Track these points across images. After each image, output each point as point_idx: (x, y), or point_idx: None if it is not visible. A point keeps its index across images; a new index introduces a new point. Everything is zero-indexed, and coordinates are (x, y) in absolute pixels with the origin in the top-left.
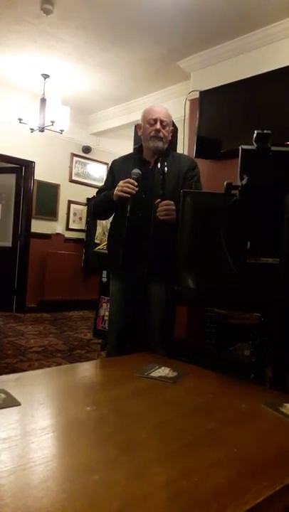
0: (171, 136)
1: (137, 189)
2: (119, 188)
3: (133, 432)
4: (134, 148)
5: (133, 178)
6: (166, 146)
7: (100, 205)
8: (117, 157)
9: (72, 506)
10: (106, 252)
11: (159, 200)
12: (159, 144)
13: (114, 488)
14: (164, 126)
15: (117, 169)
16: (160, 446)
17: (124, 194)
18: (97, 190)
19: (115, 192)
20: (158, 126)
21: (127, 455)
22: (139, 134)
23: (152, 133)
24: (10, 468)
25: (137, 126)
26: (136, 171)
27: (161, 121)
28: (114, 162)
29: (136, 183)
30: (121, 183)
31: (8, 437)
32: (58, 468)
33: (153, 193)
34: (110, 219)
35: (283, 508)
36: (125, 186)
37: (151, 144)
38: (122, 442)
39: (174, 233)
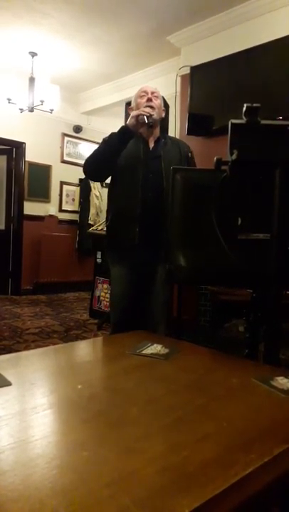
0: (164, 114)
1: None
2: (136, 112)
3: (124, 409)
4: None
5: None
6: (158, 118)
7: (99, 155)
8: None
9: (62, 483)
10: (101, 232)
11: None
12: (153, 115)
13: (104, 464)
14: (155, 98)
15: None
16: (150, 422)
17: (145, 112)
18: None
19: (132, 115)
20: (149, 95)
21: (117, 431)
22: None
23: (145, 103)
24: None
25: (129, 110)
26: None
27: (152, 93)
28: None
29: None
30: (134, 112)
31: None
32: (48, 446)
33: (161, 174)
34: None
35: (273, 478)
36: (142, 108)
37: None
38: (113, 419)
39: None
